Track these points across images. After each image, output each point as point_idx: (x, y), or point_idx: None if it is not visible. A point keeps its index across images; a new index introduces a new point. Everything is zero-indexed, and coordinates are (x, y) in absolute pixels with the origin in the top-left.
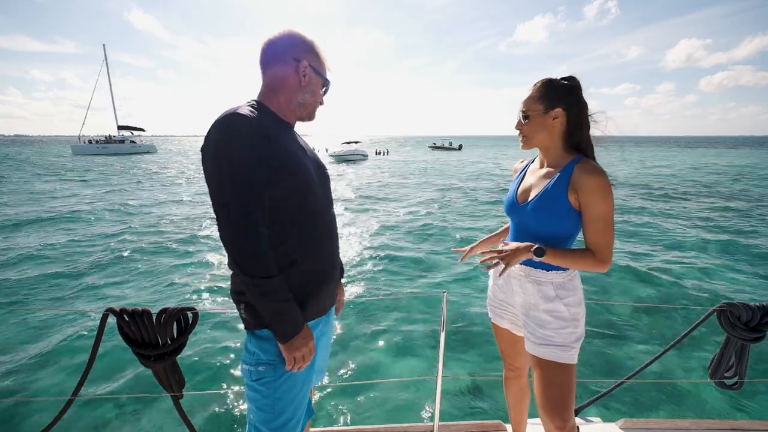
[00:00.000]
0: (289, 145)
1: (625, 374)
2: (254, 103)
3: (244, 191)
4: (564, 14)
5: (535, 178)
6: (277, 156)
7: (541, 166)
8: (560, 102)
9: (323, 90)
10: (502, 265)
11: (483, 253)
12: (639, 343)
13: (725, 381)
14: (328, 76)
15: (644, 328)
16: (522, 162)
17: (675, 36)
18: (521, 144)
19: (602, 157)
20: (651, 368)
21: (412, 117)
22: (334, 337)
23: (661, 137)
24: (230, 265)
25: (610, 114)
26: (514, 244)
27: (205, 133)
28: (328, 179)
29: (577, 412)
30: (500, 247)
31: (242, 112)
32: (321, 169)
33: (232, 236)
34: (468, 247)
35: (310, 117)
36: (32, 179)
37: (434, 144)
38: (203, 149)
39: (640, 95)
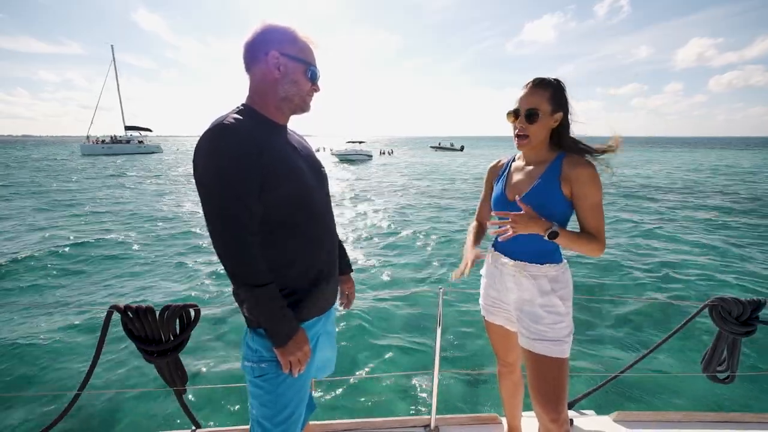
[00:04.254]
0: (281, 147)
1: (618, 368)
2: (242, 107)
3: (231, 203)
4: (574, 12)
5: (523, 175)
6: (268, 161)
7: (527, 164)
8: (563, 106)
9: (308, 75)
10: (509, 232)
11: (492, 224)
12: (632, 338)
13: (717, 375)
14: (316, 60)
15: (637, 322)
16: (498, 162)
17: (686, 35)
18: (520, 143)
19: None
20: (644, 362)
21: (415, 117)
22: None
23: (666, 138)
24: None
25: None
26: (528, 212)
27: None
28: (326, 178)
29: (571, 405)
30: (499, 219)
31: (228, 122)
32: (317, 168)
33: (221, 247)
34: (464, 266)
35: (302, 108)
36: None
37: (439, 144)
38: (193, 162)
39: (647, 95)
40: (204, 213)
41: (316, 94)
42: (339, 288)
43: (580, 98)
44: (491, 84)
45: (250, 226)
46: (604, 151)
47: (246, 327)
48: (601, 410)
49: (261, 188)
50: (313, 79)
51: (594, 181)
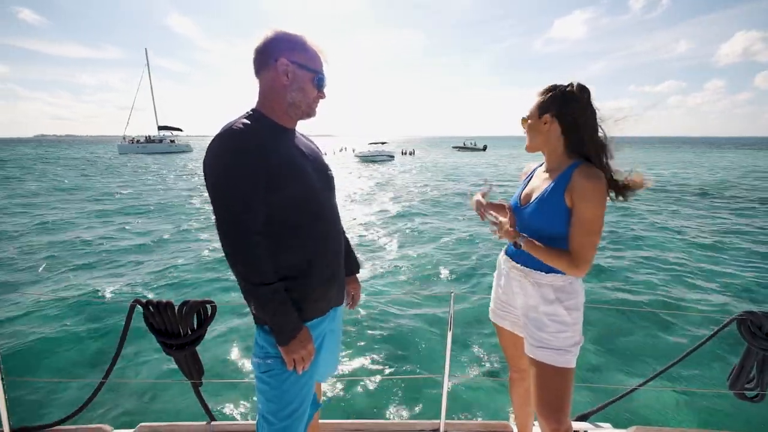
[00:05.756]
0: (288, 150)
1: (639, 381)
2: (251, 112)
3: (238, 204)
4: (607, 8)
5: (539, 181)
6: (274, 164)
7: (545, 171)
8: (548, 110)
9: (316, 83)
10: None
11: (492, 215)
12: (656, 350)
13: (746, 393)
14: (324, 68)
15: (662, 334)
16: (529, 166)
17: (730, 28)
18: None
19: (621, 158)
20: (666, 376)
21: (433, 117)
22: (344, 336)
23: (708, 138)
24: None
25: (626, 115)
26: (510, 221)
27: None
28: (332, 180)
29: (587, 417)
30: (500, 219)
31: (237, 126)
32: (323, 170)
33: (228, 246)
34: (479, 204)
35: (308, 114)
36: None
37: (464, 144)
38: (203, 164)
39: (686, 93)
40: (213, 213)
41: (322, 100)
42: (345, 289)
43: (613, 97)
44: (516, 83)
45: (255, 226)
46: (625, 186)
47: (255, 324)
48: (618, 424)
49: (267, 189)
50: (320, 86)
51: (590, 195)
